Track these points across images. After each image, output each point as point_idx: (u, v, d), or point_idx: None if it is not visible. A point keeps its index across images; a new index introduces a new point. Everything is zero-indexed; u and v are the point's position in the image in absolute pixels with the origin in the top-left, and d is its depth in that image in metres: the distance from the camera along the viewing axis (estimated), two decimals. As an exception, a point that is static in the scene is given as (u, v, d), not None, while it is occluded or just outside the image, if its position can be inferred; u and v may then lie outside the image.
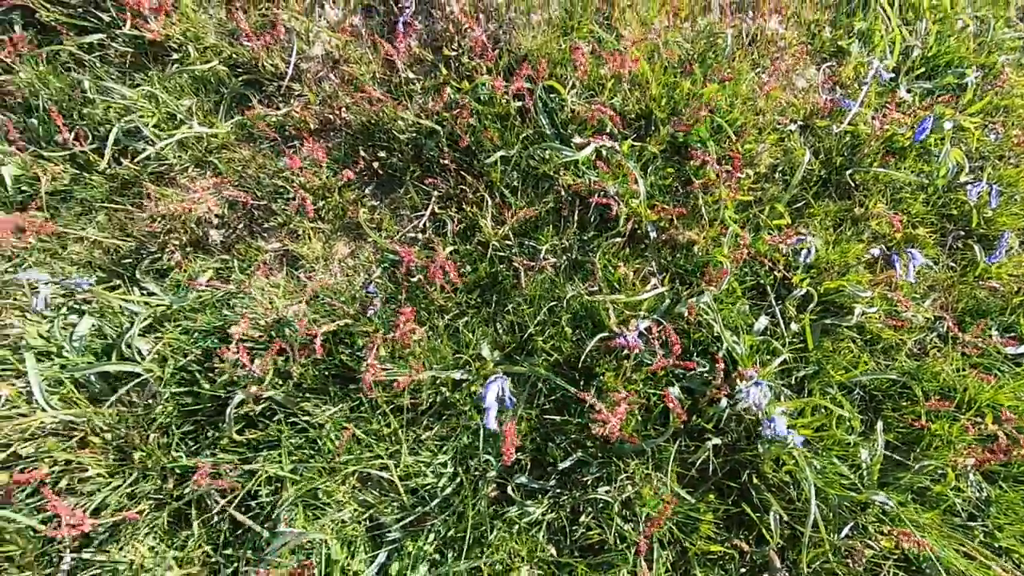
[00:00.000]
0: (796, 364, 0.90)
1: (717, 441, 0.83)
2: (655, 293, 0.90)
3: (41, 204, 0.87)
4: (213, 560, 0.75)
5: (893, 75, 1.11)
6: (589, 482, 0.82)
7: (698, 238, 0.93)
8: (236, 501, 0.76)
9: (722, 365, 0.80)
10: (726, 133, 0.97)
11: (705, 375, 0.86)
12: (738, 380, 0.81)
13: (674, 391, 0.83)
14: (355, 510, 0.79)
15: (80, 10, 0.99)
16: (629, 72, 0.98)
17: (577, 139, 0.96)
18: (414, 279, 0.87)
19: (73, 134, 0.91)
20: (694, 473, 0.83)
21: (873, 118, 1.02)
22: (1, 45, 0.96)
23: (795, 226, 0.96)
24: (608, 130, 0.96)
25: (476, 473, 0.80)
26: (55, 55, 0.97)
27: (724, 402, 0.83)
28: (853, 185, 1.02)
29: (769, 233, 0.94)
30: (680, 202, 0.95)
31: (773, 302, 0.91)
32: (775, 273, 0.93)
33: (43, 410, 0.75)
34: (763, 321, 0.91)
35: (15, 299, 0.83)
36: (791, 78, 1.07)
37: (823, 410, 0.85)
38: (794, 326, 0.90)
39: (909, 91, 1.10)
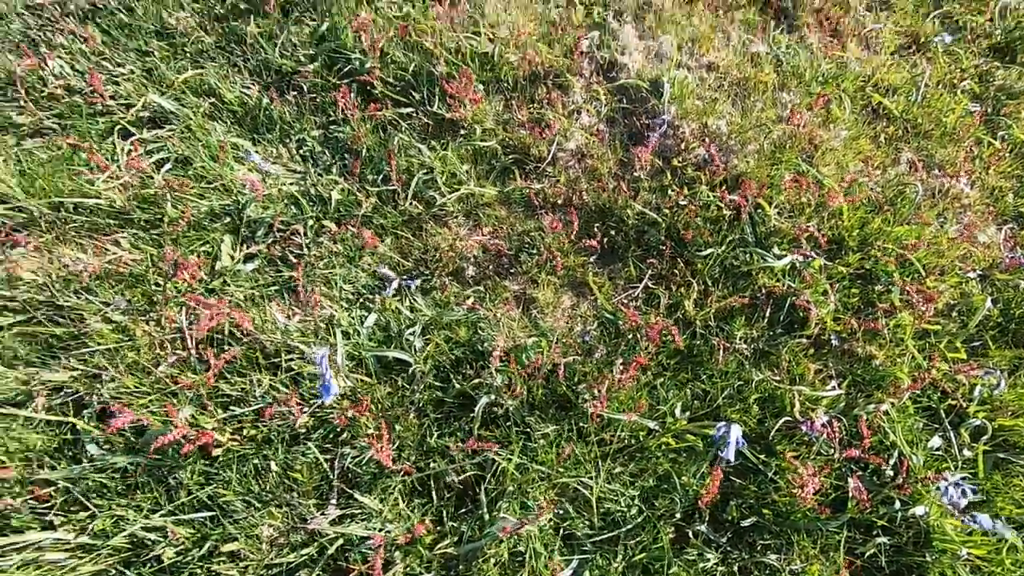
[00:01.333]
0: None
1: (886, 540, 0.90)
2: (834, 394, 1.02)
3: (358, 223, 1.15)
4: (440, 528, 0.91)
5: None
6: (760, 546, 0.91)
7: (878, 354, 1.05)
8: (467, 483, 0.93)
9: (904, 465, 0.90)
10: (910, 268, 1.11)
11: (877, 477, 0.95)
12: (918, 484, 0.90)
13: (852, 483, 0.92)
14: (553, 517, 0.93)
15: (400, 88, 1.32)
16: (827, 204, 1.16)
17: (776, 250, 1.13)
18: (629, 336, 1.05)
19: (382, 175, 1.21)
20: (861, 563, 0.90)
21: (1053, 282, 1.12)
22: (335, 105, 1.29)
23: (971, 362, 1.06)
24: (803, 248, 1.13)
25: (661, 511, 0.93)
26: (372, 116, 1.29)
27: (897, 503, 0.91)
28: (1031, 336, 1.11)
29: (947, 363, 1.04)
30: (863, 319, 1.08)
31: (947, 426, 1.00)
32: (950, 400, 1.02)
33: (344, 376, 0.98)
34: (936, 440, 0.99)
35: (323, 288, 1.10)
36: (973, 232, 1.20)
37: (992, 536, 0.91)
38: (967, 452, 0.98)
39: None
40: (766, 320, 1.09)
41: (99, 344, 1.00)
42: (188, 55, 1.38)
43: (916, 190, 1.20)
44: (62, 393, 0.97)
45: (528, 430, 0.97)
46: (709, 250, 1.12)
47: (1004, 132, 1.32)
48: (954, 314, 1.12)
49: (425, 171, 1.20)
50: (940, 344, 1.07)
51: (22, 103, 1.27)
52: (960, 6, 1.50)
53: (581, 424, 0.98)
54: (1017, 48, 1.44)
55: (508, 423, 0.97)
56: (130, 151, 1.21)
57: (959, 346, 1.07)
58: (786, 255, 1.11)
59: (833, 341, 1.08)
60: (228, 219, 1.17)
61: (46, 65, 1.30)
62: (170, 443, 0.84)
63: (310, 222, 1.16)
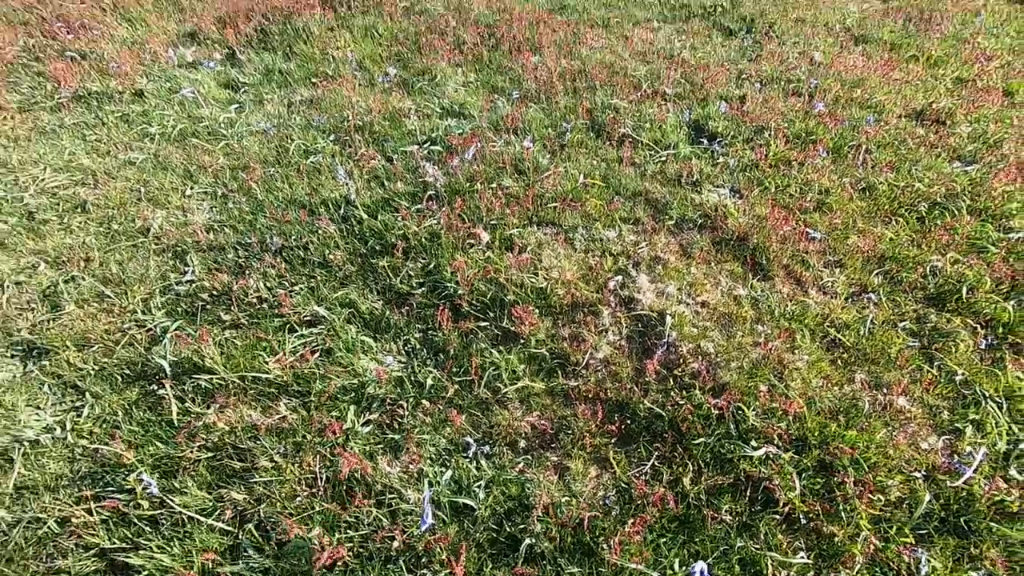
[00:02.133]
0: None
1: None
2: (803, 562, 1.28)
3: (444, 403, 1.62)
4: (487, 643, 1.19)
5: (1005, 455, 1.50)
6: None
7: (838, 532, 1.33)
8: None
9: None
10: (862, 465, 1.43)
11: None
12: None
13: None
14: (575, 646, 1.19)
15: (480, 308, 1.88)
16: (793, 410, 1.53)
17: (753, 443, 1.49)
18: (638, 502, 1.39)
19: (463, 369, 1.70)
20: None
21: (986, 485, 1.40)
22: (435, 317, 1.85)
23: (917, 545, 1.31)
24: (775, 443, 1.48)
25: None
26: (459, 327, 1.83)
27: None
28: (968, 530, 1.36)
29: (896, 544, 1.30)
30: (825, 503, 1.38)
31: (897, 597, 1.23)
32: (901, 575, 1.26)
33: (429, 514, 1.35)
34: (889, 611, 1.22)
35: (414, 449, 1.52)
36: (917, 440, 1.53)
37: None
38: (915, 621, 1.19)
39: (1020, 472, 1.46)
40: (747, 498, 1.40)
41: (263, 476, 1.43)
42: (338, 279, 2.02)
43: (865, 404, 1.57)
44: (235, 509, 1.38)
45: (559, 569, 1.28)
46: (701, 439, 1.49)
47: (939, 362, 1.71)
48: (904, 506, 1.41)
49: (494, 368, 1.69)
50: (891, 530, 1.34)
51: (230, 307, 1.90)
52: (898, 264, 2.00)
53: (600, 569, 1.28)
54: (946, 298, 1.89)
55: (544, 562, 1.29)
56: (295, 344, 1.77)
57: (908, 532, 1.33)
58: (761, 448, 1.47)
59: (801, 519, 1.37)
60: (354, 393, 1.66)
61: (248, 283, 1.96)
62: (309, 552, 1.22)
63: (411, 399, 1.63)
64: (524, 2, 4.05)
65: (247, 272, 2.02)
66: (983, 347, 1.74)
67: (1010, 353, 1.70)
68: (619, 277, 1.93)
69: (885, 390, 1.64)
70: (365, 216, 2.20)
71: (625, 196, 2.30)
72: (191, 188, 2.44)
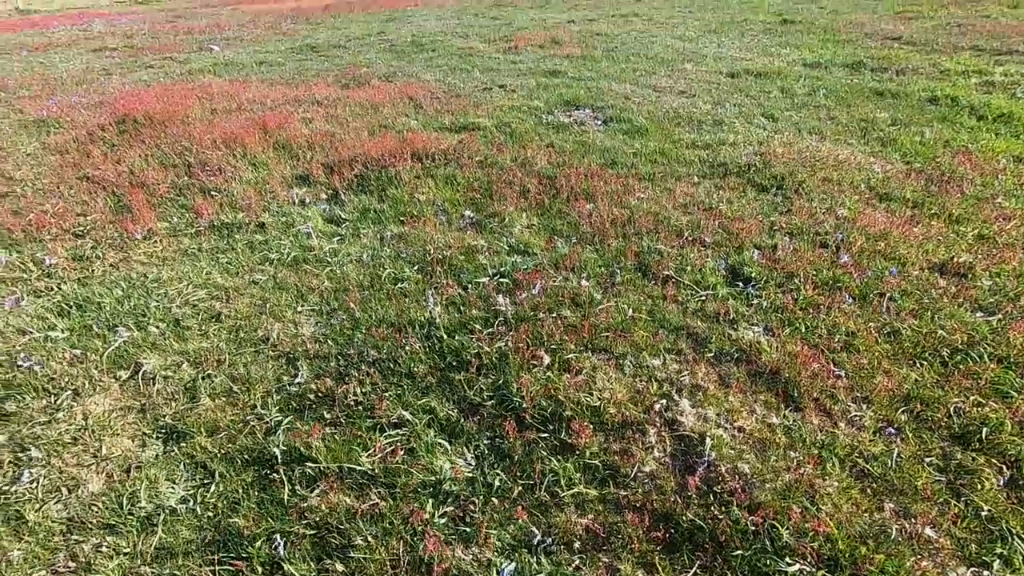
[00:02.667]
0: None
1: None
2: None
3: (510, 502, 1.87)
4: None
5: (1035, 593, 1.58)
6: None
7: (869, 650, 1.44)
8: None
9: None
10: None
11: None
12: None
13: None
14: None
15: (541, 421, 2.18)
16: (824, 532, 1.70)
17: (788, 559, 1.65)
18: (682, 604, 1.55)
19: (526, 474, 1.96)
20: None
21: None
22: (502, 426, 2.15)
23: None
24: (808, 560, 1.64)
25: None
26: (523, 436, 2.11)
27: None
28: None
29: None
30: (857, 622, 1.51)
31: None
32: None
33: (495, 597, 1.56)
34: None
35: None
36: (945, 569, 1.65)
37: None
38: None
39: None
40: (783, 610, 1.55)
41: (358, 553, 1.69)
42: (420, 388, 2.37)
43: (894, 531, 1.72)
44: None
45: (610, 661, 1.44)
46: (739, 552, 1.67)
47: (965, 497, 1.85)
48: (934, 631, 1.51)
49: (553, 474, 1.95)
50: (923, 652, 1.45)
51: (332, 407, 2.26)
52: (922, 404, 2.20)
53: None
54: (970, 437, 2.06)
55: (597, 652, 1.45)
56: (384, 442, 2.10)
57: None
58: (795, 564, 1.63)
59: (835, 635, 1.49)
60: (432, 488, 1.94)
61: (348, 388, 2.34)
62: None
63: (481, 497, 1.89)
64: (580, 158, 4.74)
65: (346, 378, 2.41)
66: (1007, 485, 1.88)
67: (1034, 493, 1.83)
68: (664, 401, 2.21)
69: (913, 520, 1.78)
70: (445, 336, 2.61)
71: (669, 329, 2.63)
72: (301, 306, 2.94)
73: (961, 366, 2.36)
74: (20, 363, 2.51)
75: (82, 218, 4.00)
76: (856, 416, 2.15)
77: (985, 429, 2.04)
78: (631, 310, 2.74)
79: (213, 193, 4.28)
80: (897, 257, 3.16)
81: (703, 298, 2.84)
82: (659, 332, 2.60)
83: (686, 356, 2.46)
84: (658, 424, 2.12)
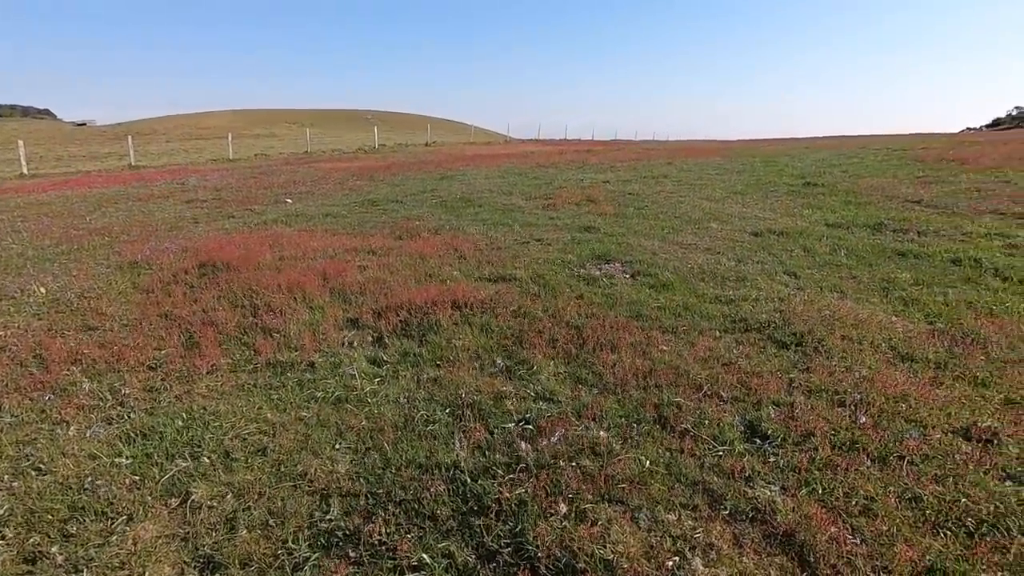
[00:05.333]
0: None
1: None
2: None
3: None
4: None
5: None
6: None
7: None
8: None
9: None
10: None
11: None
12: None
13: None
14: None
15: (555, 574, 2.23)
16: None
17: None
18: None
19: (537, 628, 1.99)
20: None
21: None
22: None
23: None
24: None
25: None
26: (536, 588, 2.16)
27: None
28: None
29: None
30: None
31: None
32: None
33: None
34: None
35: None
36: None
37: None
38: None
39: None
40: None
41: None
42: (441, 531, 2.48)
43: None
44: None
45: None
46: None
47: None
48: None
49: (563, 630, 1.97)
50: None
51: (357, 545, 2.38)
52: (949, 579, 2.15)
53: None
54: (1001, 620, 1.98)
55: None
56: (403, 584, 2.18)
57: None
58: None
59: None
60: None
61: (374, 527, 2.47)
62: None
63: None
64: (608, 309, 5.08)
65: (373, 517, 2.55)
66: (1043, 677, 1.78)
67: None
68: (677, 558, 2.24)
69: None
70: (469, 480, 2.75)
71: (685, 484, 2.70)
72: (339, 443, 3.17)
73: (988, 538, 2.32)
74: (86, 487, 2.77)
75: (157, 352, 4.50)
76: (876, 588, 2.11)
77: (1013, 610, 1.97)
78: (648, 462, 2.84)
79: (273, 333, 4.76)
80: (918, 420, 3.20)
81: (720, 453, 2.92)
82: (675, 486, 2.68)
83: (701, 512, 2.51)
84: (671, 584, 2.14)
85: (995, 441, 2.99)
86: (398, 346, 4.49)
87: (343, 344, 4.55)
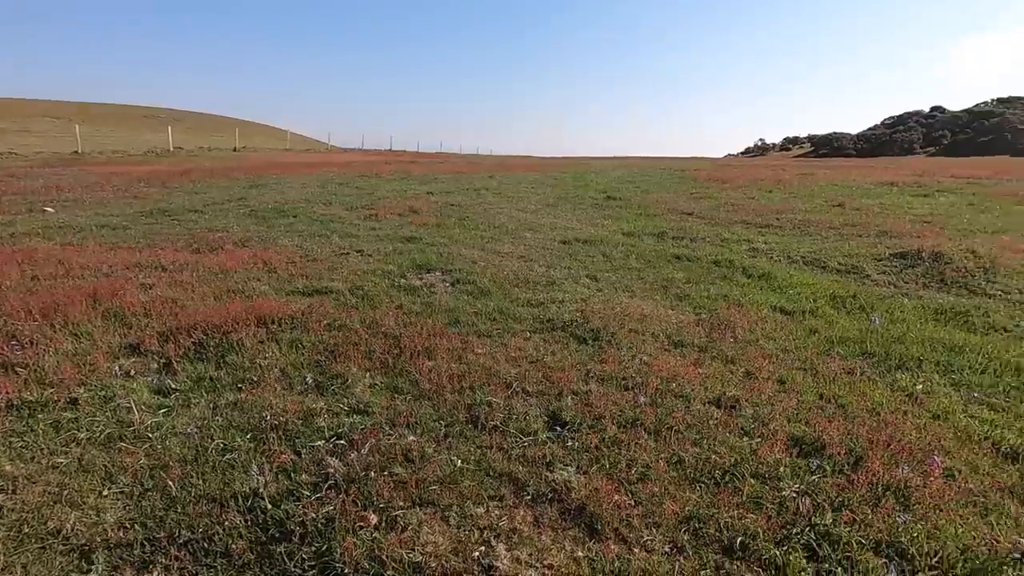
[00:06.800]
0: None
1: None
2: None
3: None
4: None
5: None
6: None
7: None
8: None
9: None
10: None
11: None
12: None
13: None
14: None
15: (362, 585, 2.18)
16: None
17: None
18: None
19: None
20: None
21: None
22: None
23: None
24: None
25: None
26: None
27: None
28: None
29: None
30: None
31: None
32: None
33: None
34: None
35: None
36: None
37: None
38: None
39: None
40: None
41: None
42: (236, 567, 2.27)
43: (673, 645, 1.94)
44: None
45: None
46: None
47: (731, 604, 2.16)
48: None
49: None
50: None
51: (127, 602, 2.06)
52: (700, 522, 2.57)
53: None
54: (735, 547, 2.43)
55: None
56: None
57: None
58: None
59: None
60: None
61: (150, 577, 2.17)
62: None
63: None
64: (426, 318, 5.13)
65: (151, 566, 2.24)
66: (762, 587, 2.23)
67: (779, 591, 2.20)
68: (483, 547, 2.35)
69: (691, 632, 2.03)
70: (270, 506, 2.57)
71: (493, 477, 2.85)
72: (108, 488, 2.72)
73: (729, 484, 2.84)
74: None
75: None
76: (648, 540, 2.45)
77: (743, 538, 2.44)
78: (460, 461, 2.94)
79: (18, 368, 3.92)
80: (684, 395, 3.78)
81: (526, 444, 3.14)
82: (485, 480, 2.80)
83: (507, 501, 2.66)
84: (476, 572, 2.23)
85: (737, 406, 3.67)
86: (190, 371, 4.00)
87: (118, 375, 3.92)
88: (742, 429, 3.40)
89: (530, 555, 2.32)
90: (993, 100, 76.16)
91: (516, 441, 3.17)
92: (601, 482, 2.78)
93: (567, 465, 2.95)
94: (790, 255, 8.68)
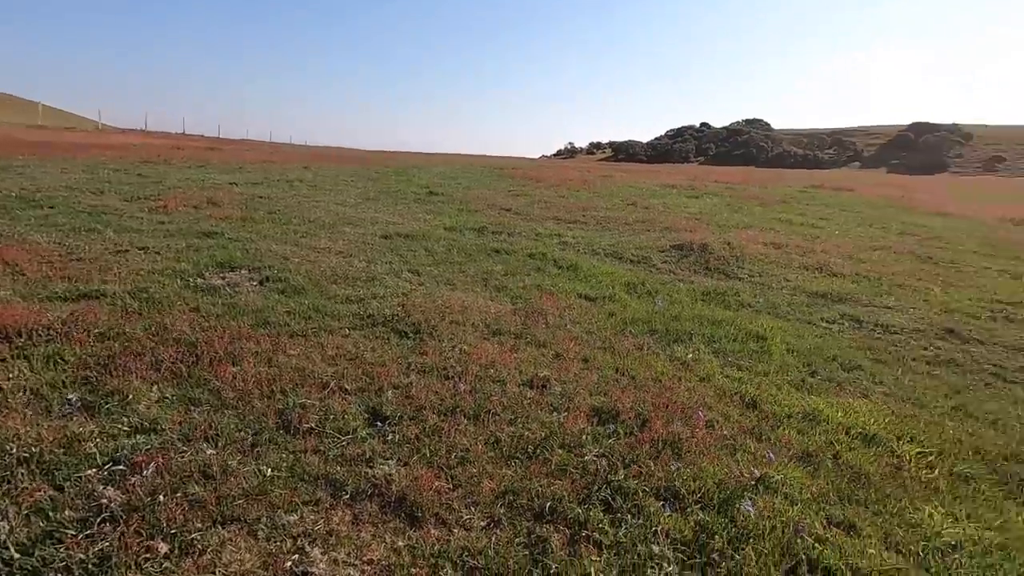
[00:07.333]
0: None
1: None
2: None
3: None
4: None
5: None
6: None
7: None
8: None
9: None
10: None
11: None
12: None
13: None
14: None
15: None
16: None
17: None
18: None
19: None
20: None
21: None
22: None
23: None
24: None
25: None
26: None
27: None
28: None
29: None
30: None
31: None
32: None
33: None
34: None
35: None
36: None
37: None
38: None
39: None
40: None
41: None
42: None
43: (489, 611, 2.06)
44: None
45: None
46: None
47: (541, 562, 2.36)
48: None
49: None
50: None
51: None
52: (514, 495, 2.75)
53: None
54: (544, 511, 2.65)
55: None
56: None
57: None
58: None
59: None
60: None
61: None
62: None
63: None
64: (230, 320, 4.65)
65: None
66: (569, 544, 2.48)
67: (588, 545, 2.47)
68: (297, 555, 2.23)
69: (506, 596, 2.17)
70: (18, 555, 2.11)
71: (308, 481, 2.71)
72: None
73: (539, 457, 3.08)
74: None
75: None
76: (467, 519, 2.56)
77: (551, 503, 2.68)
78: (270, 470, 2.73)
79: None
80: (501, 379, 4.00)
81: (344, 443, 3.04)
82: (299, 486, 2.65)
83: (323, 504, 2.56)
84: (288, 582, 2.11)
85: (548, 385, 3.99)
86: None
87: None
88: (552, 405, 3.71)
89: (348, 554, 2.27)
90: (742, 120, 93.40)
91: (334, 442, 3.05)
92: (422, 471, 2.82)
93: (388, 459, 2.93)
94: (594, 248, 9.66)
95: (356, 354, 4.19)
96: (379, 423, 3.28)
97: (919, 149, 66.12)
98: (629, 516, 2.68)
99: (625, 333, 5.37)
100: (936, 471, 3.43)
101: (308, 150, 43.31)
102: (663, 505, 2.76)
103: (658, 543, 2.51)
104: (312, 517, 2.46)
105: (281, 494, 2.58)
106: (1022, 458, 3.73)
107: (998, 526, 2.92)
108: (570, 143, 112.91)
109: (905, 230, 14.14)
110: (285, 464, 2.81)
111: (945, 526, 2.86)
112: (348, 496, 2.62)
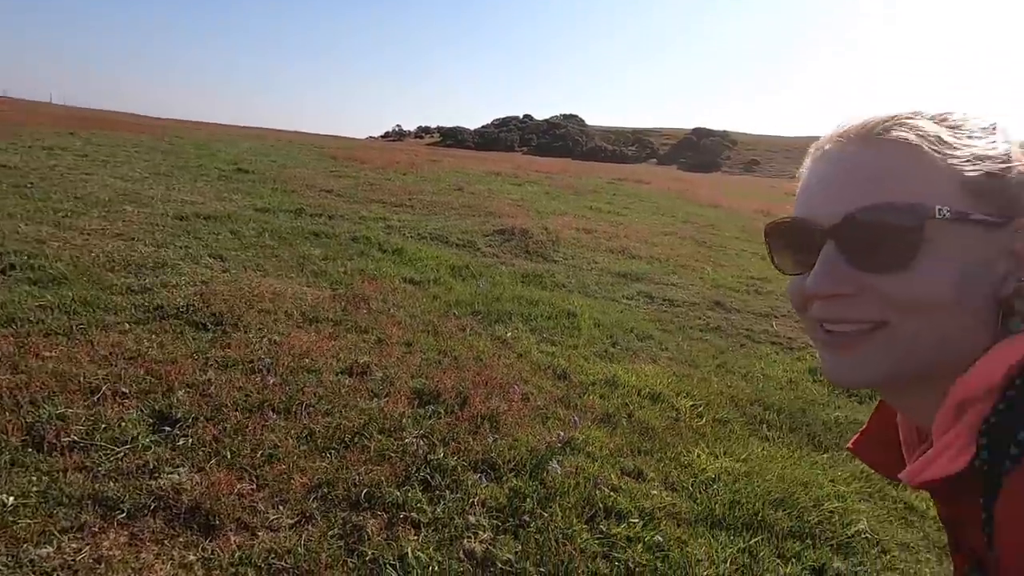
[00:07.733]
0: None
1: None
2: None
3: None
4: None
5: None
6: None
7: None
8: None
9: None
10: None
11: None
12: None
13: None
14: None
15: None
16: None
17: None
18: None
19: None
20: None
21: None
22: None
23: None
24: None
25: None
26: None
27: None
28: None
29: None
30: None
31: None
32: None
33: None
34: None
35: None
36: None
37: None
38: None
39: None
40: None
41: None
42: None
43: (297, 612, 1.96)
44: None
45: None
46: None
47: (357, 551, 2.30)
48: None
49: None
50: None
51: None
52: (330, 486, 2.63)
53: None
54: (361, 501, 2.58)
55: None
56: None
57: None
58: None
59: None
60: None
61: None
62: None
63: None
64: (-48, 320, 3.69)
65: None
66: (387, 528, 2.45)
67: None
68: (50, 595, 1.86)
69: (317, 592, 2.08)
70: None
71: (69, 505, 2.28)
72: None
73: (357, 445, 2.99)
74: None
75: None
76: (274, 520, 2.38)
77: (368, 489, 2.62)
78: (12, 498, 2.24)
79: None
80: (316, 369, 3.78)
81: (120, 455, 2.61)
82: (55, 512, 2.22)
83: (90, 529, 2.17)
84: (38, 628, 1.76)
85: (368, 372, 3.88)
86: None
87: None
88: (372, 392, 3.62)
89: (124, 580, 1.96)
90: (560, 115, 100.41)
91: (106, 455, 2.61)
92: (220, 475, 2.55)
93: (177, 467, 2.59)
94: (420, 232, 9.60)
95: (138, 352, 3.62)
96: (167, 428, 2.88)
97: (700, 150, 77.91)
98: (447, 492, 2.74)
99: (449, 315, 5.45)
100: (704, 419, 4.10)
101: (77, 112, 35.89)
102: (480, 477, 2.88)
103: (474, 513, 2.61)
104: (74, 546, 2.08)
105: (29, 525, 2.13)
106: (763, 402, 4.64)
107: (744, 458, 3.60)
108: (398, 126, 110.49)
109: (688, 219, 16.53)
110: (36, 489, 2.33)
111: (708, 463, 3.44)
112: (124, 515, 2.26)
